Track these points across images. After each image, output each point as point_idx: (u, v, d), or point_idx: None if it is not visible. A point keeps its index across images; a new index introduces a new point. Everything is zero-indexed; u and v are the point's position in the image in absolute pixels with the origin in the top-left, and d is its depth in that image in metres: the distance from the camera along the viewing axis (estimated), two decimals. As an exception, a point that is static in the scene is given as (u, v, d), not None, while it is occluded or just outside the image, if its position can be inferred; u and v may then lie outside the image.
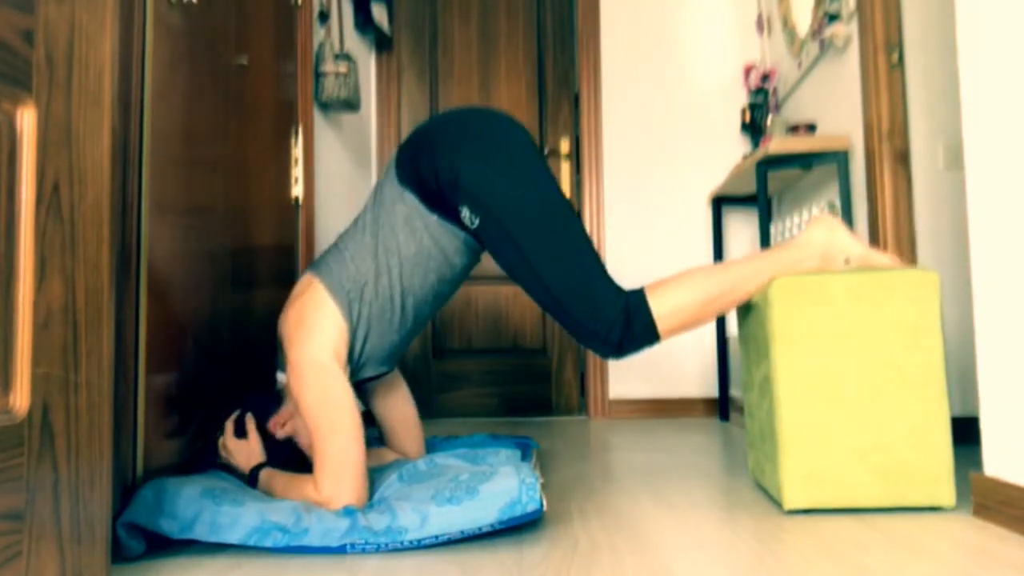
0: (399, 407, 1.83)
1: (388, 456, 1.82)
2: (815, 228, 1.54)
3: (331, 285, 1.48)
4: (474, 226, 1.46)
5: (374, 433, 1.92)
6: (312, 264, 1.56)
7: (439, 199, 1.48)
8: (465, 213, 1.46)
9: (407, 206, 1.49)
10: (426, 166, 1.47)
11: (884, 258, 1.53)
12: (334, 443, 1.37)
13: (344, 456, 1.37)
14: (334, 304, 1.47)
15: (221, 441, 1.54)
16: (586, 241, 1.46)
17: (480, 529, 1.25)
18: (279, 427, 1.55)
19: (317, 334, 1.45)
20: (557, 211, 1.45)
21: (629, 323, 1.42)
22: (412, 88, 3.57)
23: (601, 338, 1.43)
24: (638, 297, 1.44)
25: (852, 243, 1.53)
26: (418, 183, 1.48)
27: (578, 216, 1.50)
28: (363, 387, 1.81)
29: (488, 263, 3.49)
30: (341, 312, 1.47)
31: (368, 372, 1.61)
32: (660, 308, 1.44)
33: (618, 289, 1.45)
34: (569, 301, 1.42)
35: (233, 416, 1.55)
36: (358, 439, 1.39)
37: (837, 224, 1.54)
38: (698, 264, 1.57)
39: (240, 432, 1.53)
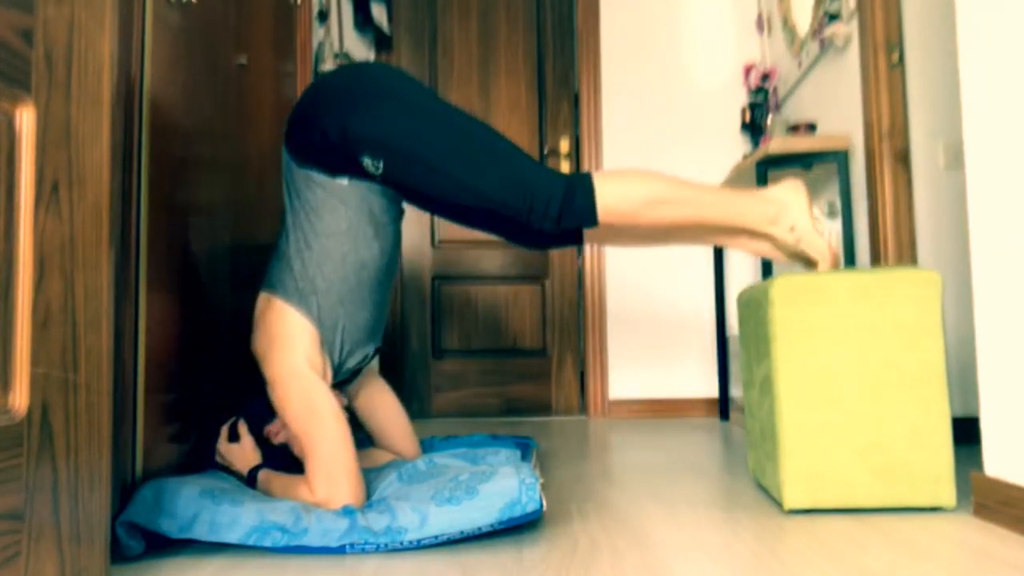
0: (386, 407, 1.83)
1: (382, 457, 1.82)
2: (782, 188, 1.53)
3: (284, 294, 1.49)
4: (379, 171, 1.44)
5: (360, 436, 1.92)
6: (263, 283, 1.56)
7: (338, 159, 1.46)
8: (367, 162, 1.43)
9: (317, 185, 1.48)
10: (313, 133, 1.45)
11: (823, 247, 1.51)
12: (324, 447, 1.38)
13: (335, 458, 1.37)
14: (295, 310, 1.47)
15: (217, 446, 1.56)
16: (495, 134, 1.44)
17: (480, 529, 1.24)
18: (273, 436, 1.56)
19: (289, 347, 1.45)
20: (453, 119, 1.44)
21: (571, 198, 1.40)
22: (412, 88, 3.57)
23: (540, 213, 1.41)
24: (584, 177, 1.43)
25: (804, 216, 1.51)
26: (312, 154, 1.47)
27: (477, 118, 1.48)
28: (344, 390, 1.81)
29: (487, 264, 3.49)
30: (304, 315, 1.48)
31: (357, 356, 1.61)
32: (603, 188, 1.41)
33: (553, 170, 1.44)
34: (502, 195, 1.40)
35: (228, 423, 1.57)
36: (346, 440, 1.40)
37: (801, 191, 1.52)
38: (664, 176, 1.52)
39: (233, 437, 1.54)
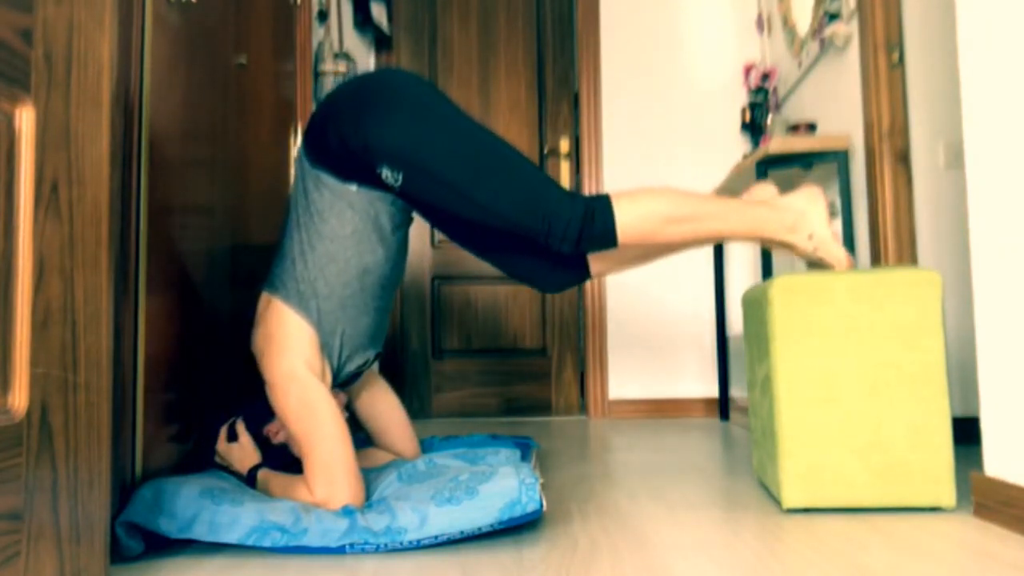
0: (387, 407, 1.83)
1: (381, 457, 1.82)
2: (798, 196, 1.54)
3: (285, 295, 1.48)
4: (398, 184, 1.43)
5: (361, 436, 1.92)
6: (265, 283, 1.55)
7: (352, 166, 1.45)
8: (385, 173, 1.42)
9: (327, 188, 1.47)
10: (332, 137, 1.44)
11: (840, 254, 1.53)
12: (322, 448, 1.38)
13: (334, 458, 1.38)
14: (294, 313, 1.47)
15: (216, 446, 1.56)
16: (517, 155, 1.44)
17: (480, 529, 1.24)
18: (273, 436, 1.57)
19: (287, 349, 1.45)
20: (477, 138, 1.43)
21: (591, 221, 1.41)
22: (412, 88, 3.56)
23: (559, 237, 1.41)
24: (603, 199, 1.44)
25: (823, 224, 1.52)
26: (328, 157, 1.46)
27: (500, 137, 1.47)
28: (347, 388, 1.81)
29: (487, 264, 3.49)
30: (304, 318, 1.47)
31: (357, 361, 1.61)
32: (623, 212, 1.42)
33: (572, 192, 1.44)
34: (521, 217, 1.40)
35: (227, 422, 1.57)
36: (345, 440, 1.40)
37: (819, 199, 1.53)
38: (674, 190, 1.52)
39: (232, 437, 1.54)
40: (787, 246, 1.55)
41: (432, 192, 1.42)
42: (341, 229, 1.48)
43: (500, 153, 1.43)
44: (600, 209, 1.42)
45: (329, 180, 1.47)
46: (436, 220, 1.57)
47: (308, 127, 1.52)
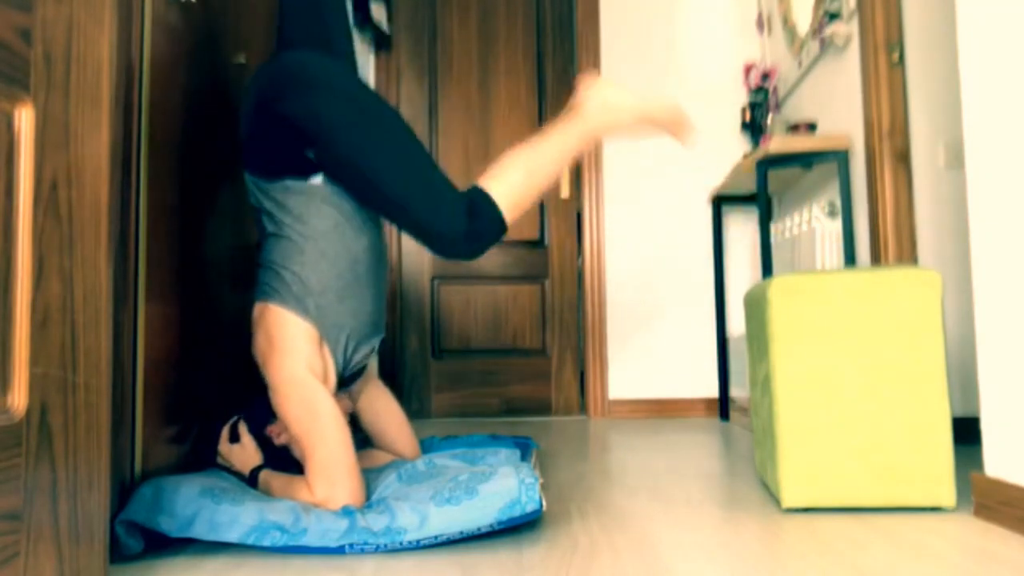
0: (386, 409, 1.84)
1: (381, 458, 1.82)
2: (585, 93, 1.61)
3: (280, 300, 1.49)
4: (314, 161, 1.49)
5: (361, 436, 1.92)
6: (256, 293, 1.56)
7: (302, 158, 1.48)
8: (310, 155, 1.48)
9: (295, 192, 1.50)
10: (275, 144, 1.48)
11: (660, 109, 1.61)
12: (323, 448, 1.39)
13: (335, 459, 1.38)
14: (293, 314, 1.48)
15: (219, 447, 1.56)
16: (416, 145, 1.50)
17: (479, 529, 1.24)
18: (275, 437, 1.57)
19: (288, 352, 1.46)
20: (376, 119, 1.47)
21: (477, 212, 1.47)
22: (411, 87, 3.57)
23: (449, 234, 1.46)
24: (476, 188, 1.50)
25: (622, 95, 1.60)
26: (279, 165, 1.49)
27: (407, 126, 1.53)
28: (348, 390, 1.81)
29: (487, 264, 3.49)
30: (302, 317, 1.48)
31: (364, 351, 1.63)
32: (495, 190, 1.49)
33: (458, 190, 1.50)
34: (410, 201, 1.45)
35: (229, 423, 1.57)
36: (346, 441, 1.41)
37: (602, 83, 1.61)
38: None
39: (234, 438, 1.54)
40: (617, 129, 1.62)
41: (337, 168, 1.47)
42: (323, 224, 1.51)
43: (402, 140, 1.48)
44: (481, 203, 1.47)
45: (295, 184, 1.50)
46: (347, 189, 1.60)
47: (245, 150, 1.54)
